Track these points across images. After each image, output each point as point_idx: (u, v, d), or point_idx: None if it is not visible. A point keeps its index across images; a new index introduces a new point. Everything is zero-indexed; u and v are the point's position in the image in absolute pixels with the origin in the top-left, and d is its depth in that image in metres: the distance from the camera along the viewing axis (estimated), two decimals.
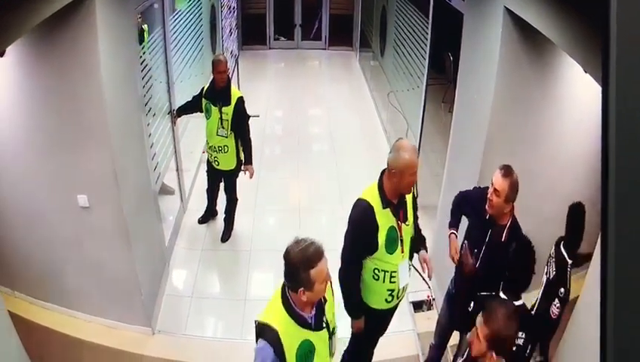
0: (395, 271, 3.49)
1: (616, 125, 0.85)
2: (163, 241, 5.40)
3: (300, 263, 2.56)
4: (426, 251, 3.72)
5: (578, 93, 4.07)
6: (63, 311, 4.68)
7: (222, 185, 5.98)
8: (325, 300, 2.88)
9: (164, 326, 4.88)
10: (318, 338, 2.81)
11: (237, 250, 5.98)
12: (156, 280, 5.08)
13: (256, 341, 2.72)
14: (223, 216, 6.14)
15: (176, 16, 6.20)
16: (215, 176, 5.91)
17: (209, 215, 6.35)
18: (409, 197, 3.51)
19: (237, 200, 5.98)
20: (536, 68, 3.89)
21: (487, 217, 3.51)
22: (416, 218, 3.67)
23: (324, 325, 2.86)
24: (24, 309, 4.63)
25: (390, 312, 3.79)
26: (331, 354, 3.02)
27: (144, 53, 4.87)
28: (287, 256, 2.60)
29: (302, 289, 2.60)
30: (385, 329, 4.01)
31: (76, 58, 3.55)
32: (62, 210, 4.15)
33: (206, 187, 6.18)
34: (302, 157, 8.05)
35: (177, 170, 6.24)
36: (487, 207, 3.46)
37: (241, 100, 5.36)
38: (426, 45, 6.07)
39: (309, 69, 12.46)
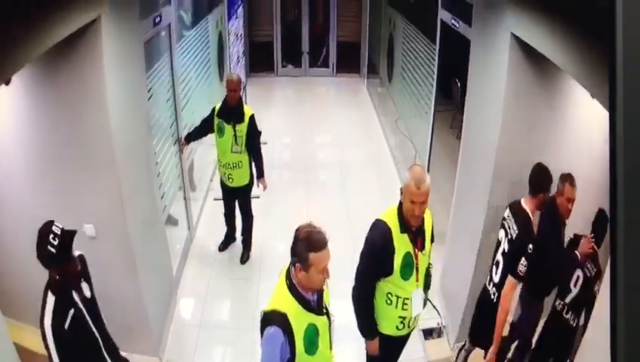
0: (407, 298, 3.46)
1: (624, 149, 0.83)
2: (170, 270, 5.37)
3: (303, 240, 2.75)
4: None
5: (587, 118, 4.04)
6: None
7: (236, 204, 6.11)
8: (322, 289, 3.01)
9: (173, 356, 4.83)
10: (322, 323, 2.96)
11: (245, 279, 5.94)
12: (164, 309, 5.04)
13: (262, 331, 2.85)
14: (241, 238, 6.23)
15: (183, 44, 6.24)
16: (230, 195, 6.00)
17: (229, 241, 6.39)
18: (428, 226, 3.49)
19: (252, 217, 6.08)
20: (544, 93, 3.89)
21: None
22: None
23: (325, 311, 3.01)
24: (28, 339, 4.57)
25: (401, 340, 3.75)
26: (331, 344, 3.10)
27: (151, 80, 4.90)
28: (296, 230, 2.81)
29: (299, 265, 2.77)
30: (396, 358, 3.96)
31: (82, 85, 3.57)
32: None
33: (223, 211, 6.27)
34: (310, 185, 8.03)
35: (185, 198, 6.25)
36: (566, 218, 3.74)
37: (253, 117, 5.58)
38: (433, 71, 6.10)
39: (316, 95, 12.48)
